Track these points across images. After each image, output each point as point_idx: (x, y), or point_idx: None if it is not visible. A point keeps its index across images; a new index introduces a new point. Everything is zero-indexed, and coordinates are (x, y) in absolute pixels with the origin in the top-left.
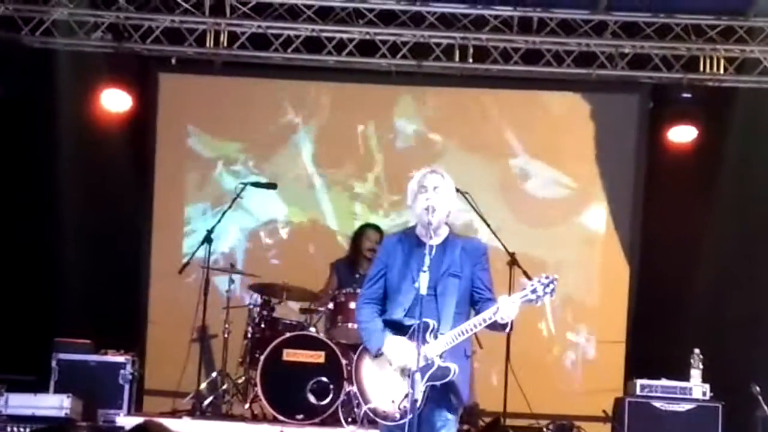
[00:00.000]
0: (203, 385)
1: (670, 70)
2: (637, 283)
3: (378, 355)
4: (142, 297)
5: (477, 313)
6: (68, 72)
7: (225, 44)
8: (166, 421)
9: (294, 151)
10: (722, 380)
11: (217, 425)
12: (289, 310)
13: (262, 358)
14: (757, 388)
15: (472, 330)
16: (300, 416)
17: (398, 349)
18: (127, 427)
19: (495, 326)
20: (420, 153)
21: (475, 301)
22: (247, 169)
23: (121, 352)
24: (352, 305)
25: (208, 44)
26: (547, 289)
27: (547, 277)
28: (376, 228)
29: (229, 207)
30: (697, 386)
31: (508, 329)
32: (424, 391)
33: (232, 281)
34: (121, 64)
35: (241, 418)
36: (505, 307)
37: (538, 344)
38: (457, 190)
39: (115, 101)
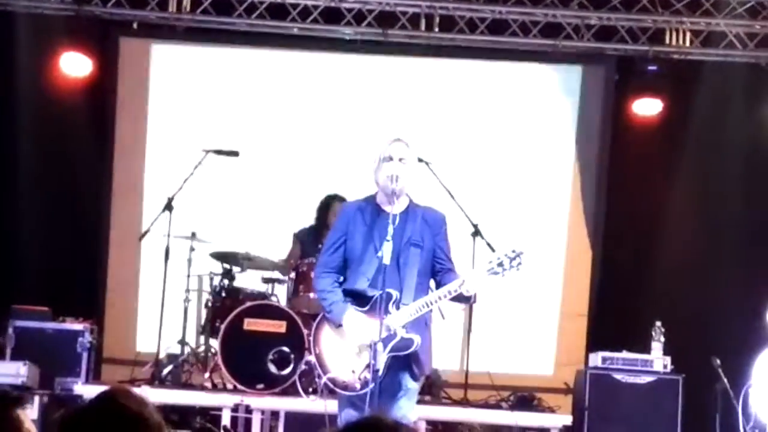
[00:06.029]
0: (162, 354)
1: (636, 42)
2: (601, 256)
3: (340, 326)
4: (101, 264)
5: (437, 283)
6: (27, 35)
7: (188, 9)
8: None
9: (257, 119)
10: (683, 353)
11: (177, 394)
12: (251, 280)
13: (223, 327)
14: (718, 361)
15: (436, 302)
16: (260, 386)
17: (358, 325)
18: (85, 395)
19: (459, 298)
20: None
21: (436, 271)
22: (210, 136)
23: (80, 320)
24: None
25: (170, 9)
26: (514, 263)
27: (513, 251)
28: (343, 200)
29: (191, 174)
30: (658, 359)
31: (472, 301)
32: (386, 362)
33: (192, 249)
34: (82, 27)
35: (201, 388)
36: (471, 280)
37: (499, 316)
38: (420, 160)
39: (74, 65)
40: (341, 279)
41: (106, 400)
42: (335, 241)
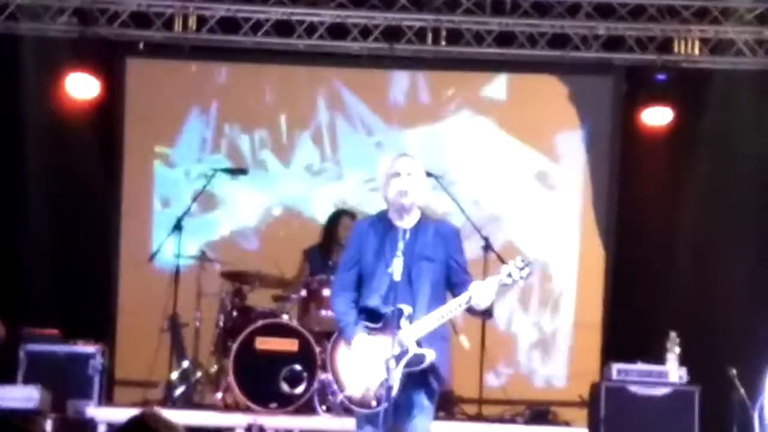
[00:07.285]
0: (174, 375)
1: (645, 51)
2: (614, 266)
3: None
4: (111, 286)
5: (457, 296)
6: (33, 57)
7: (193, 28)
8: None
9: (265, 136)
10: (699, 363)
11: (189, 415)
12: (262, 298)
13: (235, 346)
14: (734, 372)
15: (447, 315)
16: (273, 405)
17: (367, 346)
18: (98, 417)
19: (475, 312)
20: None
21: (455, 284)
22: (218, 155)
23: (91, 342)
24: (326, 292)
25: (176, 28)
26: (522, 273)
27: (522, 261)
28: (352, 215)
29: (200, 193)
30: (674, 370)
31: (489, 315)
32: (400, 378)
33: (203, 269)
34: (88, 48)
35: (213, 408)
36: (479, 292)
37: (513, 329)
38: (430, 174)
39: (81, 87)
40: (356, 296)
41: (136, 424)
42: (349, 258)
